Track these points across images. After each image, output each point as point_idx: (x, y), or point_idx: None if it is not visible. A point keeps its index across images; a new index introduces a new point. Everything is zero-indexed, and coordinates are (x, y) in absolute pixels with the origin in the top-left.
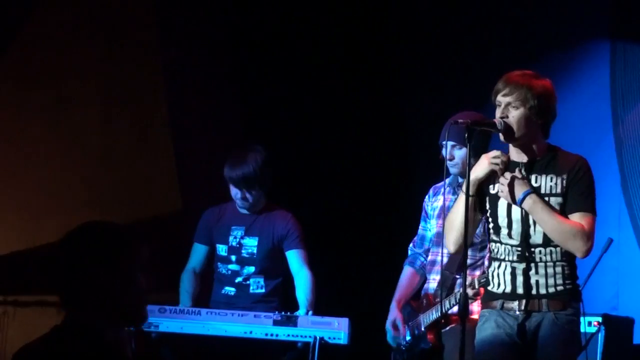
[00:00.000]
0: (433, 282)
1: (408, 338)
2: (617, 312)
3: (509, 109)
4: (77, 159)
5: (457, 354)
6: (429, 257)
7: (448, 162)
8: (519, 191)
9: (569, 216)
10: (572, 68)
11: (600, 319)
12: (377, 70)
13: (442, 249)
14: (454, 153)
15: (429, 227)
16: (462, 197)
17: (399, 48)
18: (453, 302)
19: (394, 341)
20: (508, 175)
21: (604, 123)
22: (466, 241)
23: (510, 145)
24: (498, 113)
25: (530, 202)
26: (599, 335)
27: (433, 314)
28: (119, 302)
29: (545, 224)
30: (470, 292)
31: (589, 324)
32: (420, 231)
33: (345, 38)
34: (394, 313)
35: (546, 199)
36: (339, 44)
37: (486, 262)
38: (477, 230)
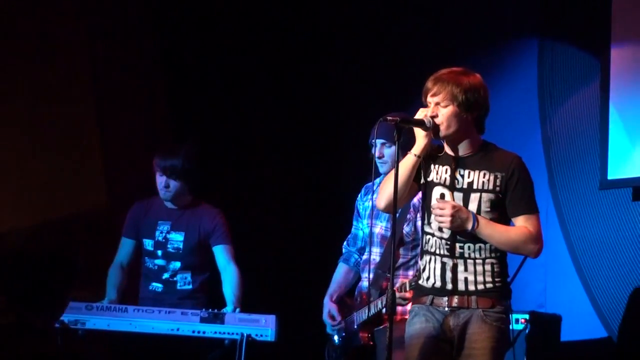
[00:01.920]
0: (366, 280)
1: (342, 334)
2: (544, 309)
3: (438, 107)
4: (2, 154)
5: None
6: (364, 256)
7: (377, 160)
8: (467, 222)
9: (514, 219)
10: (500, 66)
11: (527, 316)
12: (306, 69)
13: (372, 247)
14: (384, 151)
15: (361, 227)
16: (408, 158)
17: (328, 46)
18: (385, 302)
19: (333, 331)
20: (443, 204)
21: (531, 121)
22: (395, 201)
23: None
24: (428, 112)
25: (482, 224)
26: (526, 332)
27: (365, 313)
28: (59, 307)
29: (492, 239)
30: (397, 295)
31: (516, 321)
32: (353, 230)
33: (275, 32)
34: (328, 305)
35: (478, 194)
36: (269, 38)
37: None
38: (408, 229)
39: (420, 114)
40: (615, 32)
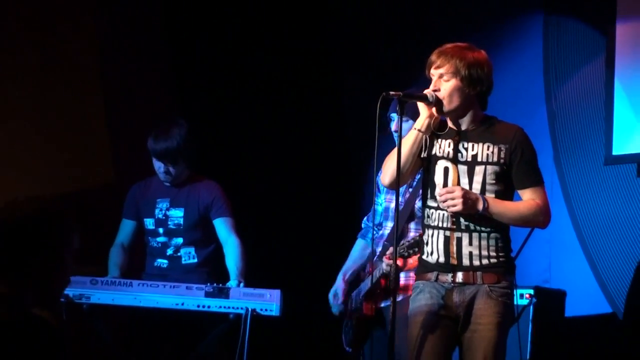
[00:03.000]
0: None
1: (353, 305)
2: (549, 285)
3: (441, 81)
4: (8, 132)
5: (404, 328)
6: (380, 231)
7: (395, 133)
8: (478, 203)
9: (521, 192)
10: (506, 41)
11: (532, 292)
12: (312, 45)
13: (387, 221)
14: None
15: (380, 202)
16: (413, 133)
17: (334, 22)
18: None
19: (336, 309)
20: (452, 189)
21: (536, 96)
22: (399, 177)
23: None
24: (431, 86)
25: (492, 204)
26: (531, 307)
27: (367, 283)
28: (43, 283)
29: (503, 217)
30: (387, 261)
31: (521, 296)
32: (374, 205)
33: (281, 16)
34: (338, 283)
35: (483, 167)
36: (275, 22)
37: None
38: (420, 203)
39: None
40: (621, 8)
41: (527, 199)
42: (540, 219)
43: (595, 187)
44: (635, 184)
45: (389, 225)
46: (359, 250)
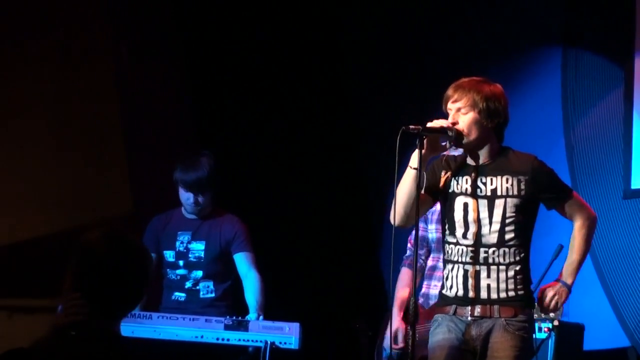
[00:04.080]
0: (435, 288)
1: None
2: (567, 318)
3: (459, 114)
4: (28, 163)
5: None
6: (430, 262)
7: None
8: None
9: (558, 208)
10: (524, 73)
11: (550, 325)
12: (329, 75)
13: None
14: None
15: (430, 228)
16: (408, 171)
17: (349, 54)
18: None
19: (397, 356)
20: (551, 293)
21: (555, 128)
22: (417, 216)
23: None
24: (449, 119)
25: (572, 277)
26: (550, 341)
27: None
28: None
29: (583, 260)
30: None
31: (540, 329)
32: (421, 232)
33: (295, 38)
34: (397, 322)
35: (503, 200)
36: (288, 43)
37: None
38: (435, 235)
39: (437, 124)
40: (639, 39)
41: (576, 226)
42: (594, 226)
43: (614, 220)
44: None
45: (441, 258)
46: (407, 281)
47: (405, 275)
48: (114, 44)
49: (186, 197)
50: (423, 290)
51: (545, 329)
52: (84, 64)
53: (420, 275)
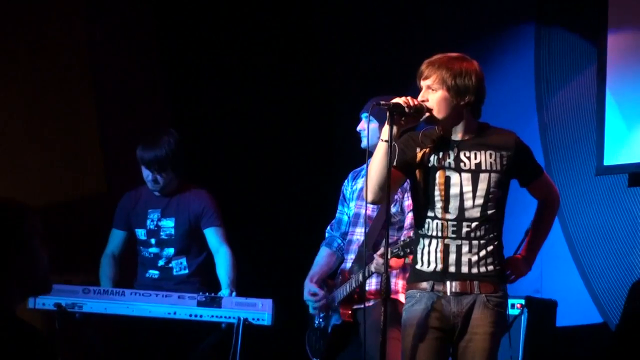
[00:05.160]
0: (350, 261)
1: (322, 315)
2: (540, 295)
3: (429, 92)
4: (2, 141)
5: (375, 334)
6: (347, 238)
7: (361, 131)
8: (525, 269)
9: (530, 185)
10: (497, 51)
11: (523, 302)
12: (302, 54)
13: (365, 228)
14: (364, 125)
15: (346, 211)
16: (381, 145)
17: (324, 31)
18: (366, 274)
19: (315, 310)
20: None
21: (528, 107)
22: (388, 192)
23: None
24: (419, 96)
25: (535, 253)
26: (522, 317)
27: (347, 288)
28: (23, 274)
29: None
30: (379, 260)
31: (512, 306)
32: (337, 215)
33: (270, 21)
34: (308, 285)
35: (487, 174)
36: (264, 28)
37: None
38: (395, 209)
39: (406, 102)
40: (612, 18)
41: (540, 203)
42: (557, 205)
43: (587, 197)
44: (627, 195)
45: (357, 231)
46: (324, 257)
47: (322, 253)
48: (88, 29)
49: (146, 174)
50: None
51: (518, 305)
52: (59, 49)
53: (337, 255)
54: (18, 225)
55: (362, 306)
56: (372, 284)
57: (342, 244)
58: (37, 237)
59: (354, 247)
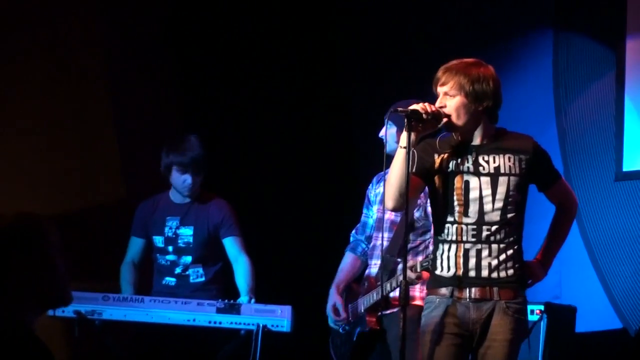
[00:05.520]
0: (374, 266)
1: (351, 320)
2: (559, 301)
3: (446, 98)
4: (19, 151)
5: (396, 343)
6: (371, 243)
7: (382, 137)
8: (542, 274)
9: (548, 190)
10: (516, 57)
11: (542, 307)
12: (321, 59)
13: (382, 233)
14: (386, 131)
15: (371, 214)
16: (400, 152)
17: (343, 38)
18: (394, 284)
19: (335, 325)
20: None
21: (547, 113)
22: (407, 199)
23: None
24: (437, 103)
25: (551, 260)
26: (542, 323)
27: (373, 297)
28: (41, 288)
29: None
30: (412, 275)
31: (532, 312)
32: (362, 218)
33: (288, 26)
34: (334, 297)
35: (506, 178)
36: (282, 32)
37: (430, 247)
38: (418, 214)
39: (424, 108)
40: (630, 24)
41: (558, 209)
42: (574, 210)
43: (606, 203)
44: None
45: (380, 236)
46: (348, 263)
47: (346, 259)
48: (105, 35)
49: (182, 179)
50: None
51: (537, 311)
52: (75, 54)
53: (362, 260)
54: (36, 239)
55: (388, 312)
56: (395, 291)
57: (366, 248)
58: (55, 250)
59: (378, 253)
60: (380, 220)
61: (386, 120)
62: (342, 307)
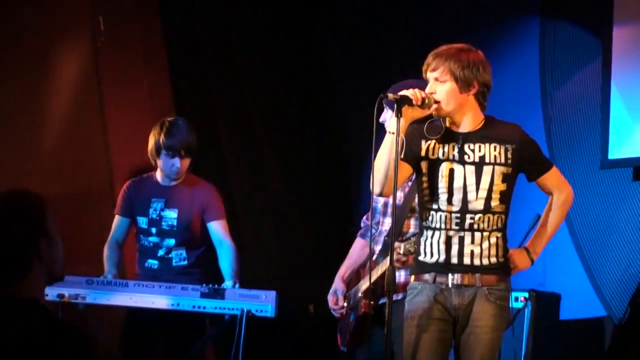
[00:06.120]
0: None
1: (351, 303)
2: (543, 288)
3: (437, 83)
4: (7, 134)
5: (399, 331)
6: (378, 228)
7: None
8: (526, 262)
9: (539, 180)
10: (502, 44)
11: (527, 295)
12: (306, 47)
13: (384, 217)
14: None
15: (378, 199)
16: (388, 137)
17: (328, 26)
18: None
19: (333, 311)
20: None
21: (533, 100)
22: (395, 185)
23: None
24: (427, 88)
25: (539, 248)
26: (526, 310)
27: (366, 281)
28: (50, 264)
29: (554, 233)
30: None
31: (516, 299)
32: (372, 204)
33: (276, 22)
34: (336, 283)
35: (491, 167)
36: (270, 28)
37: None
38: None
39: (415, 94)
40: (617, 11)
41: (552, 199)
42: (571, 203)
43: (591, 190)
44: (631, 188)
45: (387, 221)
46: (357, 249)
47: (356, 245)
48: (92, 19)
49: (171, 163)
50: None
51: (522, 299)
52: (62, 39)
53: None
54: (43, 215)
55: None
56: (401, 277)
57: (375, 234)
58: (54, 226)
59: (381, 239)
60: (386, 205)
61: (385, 106)
62: (342, 295)
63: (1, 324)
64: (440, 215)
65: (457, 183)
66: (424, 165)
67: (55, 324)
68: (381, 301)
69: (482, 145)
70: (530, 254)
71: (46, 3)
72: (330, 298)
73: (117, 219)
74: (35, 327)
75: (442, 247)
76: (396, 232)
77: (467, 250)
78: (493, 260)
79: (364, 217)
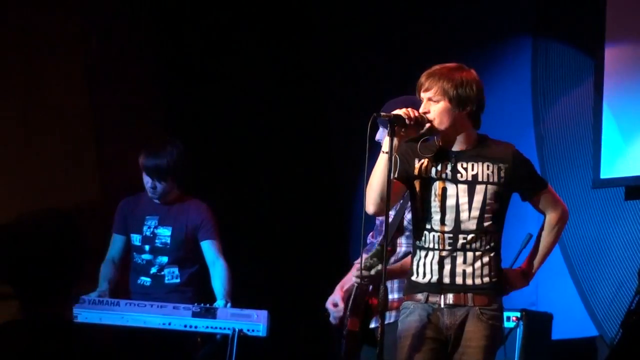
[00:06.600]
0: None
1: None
2: (535, 308)
3: (430, 103)
4: None
5: (393, 350)
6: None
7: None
8: (521, 282)
9: (533, 199)
10: (494, 64)
11: (519, 314)
12: (300, 65)
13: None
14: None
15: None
16: (382, 156)
17: (321, 45)
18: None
19: (335, 320)
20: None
21: (524, 119)
22: (388, 204)
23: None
24: (421, 108)
25: (536, 267)
26: (518, 330)
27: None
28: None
29: (550, 253)
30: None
31: (508, 319)
32: (376, 222)
33: (266, 32)
34: (336, 293)
35: (484, 186)
36: (261, 38)
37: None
38: (410, 216)
39: (407, 114)
40: (609, 31)
41: (547, 219)
42: (566, 223)
43: (583, 210)
44: (623, 208)
45: (379, 240)
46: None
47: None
48: (84, 32)
49: (146, 180)
50: None
51: (514, 318)
52: (54, 53)
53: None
54: (75, 237)
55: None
56: (394, 299)
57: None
58: (84, 257)
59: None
60: (382, 224)
61: (379, 125)
62: (341, 302)
63: None
64: (434, 236)
65: (450, 202)
66: (417, 184)
67: None
68: (373, 324)
69: (475, 164)
70: (525, 275)
71: (38, 21)
72: (330, 306)
73: (113, 237)
74: None
75: (435, 267)
76: (386, 248)
77: (459, 270)
78: (486, 280)
79: (370, 234)
